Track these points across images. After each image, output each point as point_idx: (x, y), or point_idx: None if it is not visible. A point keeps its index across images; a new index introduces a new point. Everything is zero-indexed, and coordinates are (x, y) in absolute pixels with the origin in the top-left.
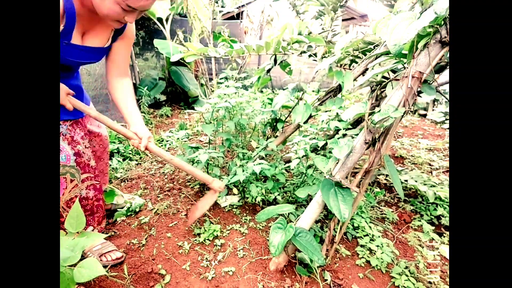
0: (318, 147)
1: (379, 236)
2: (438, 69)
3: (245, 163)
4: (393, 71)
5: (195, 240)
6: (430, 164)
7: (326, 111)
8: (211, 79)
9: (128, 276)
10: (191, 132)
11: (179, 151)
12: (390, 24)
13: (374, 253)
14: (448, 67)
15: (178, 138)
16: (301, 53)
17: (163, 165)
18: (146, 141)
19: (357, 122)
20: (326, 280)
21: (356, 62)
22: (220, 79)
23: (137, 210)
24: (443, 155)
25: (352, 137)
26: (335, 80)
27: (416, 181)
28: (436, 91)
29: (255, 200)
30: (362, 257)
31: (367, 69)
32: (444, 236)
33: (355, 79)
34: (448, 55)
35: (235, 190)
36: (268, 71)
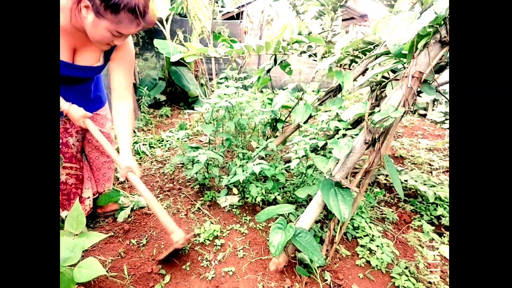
0: (318, 147)
1: (379, 236)
2: (438, 69)
3: (245, 163)
4: (393, 71)
5: (195, 240)
6: (430, 164)
7: (326, 111)
8: (211, 79)
9: (128, 276)
10: (191, 132)
11: (179, 151)
12: (390, 24)
13: (374, 253)
14: (448, 67)
15: (178, 138)
16: (301, 53)
17: (163, 165)
18: (124, 172)
19: (357, 122)
20: (326, 280)
21: (356, 62)
22: (220, 79)
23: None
24: (443, 155)
25: (352, 137)
26: (335, 80)
27: (416, 181)
28: (436, 91)
29: (255, 200)
30: (362, 257)
31: (367, 69)
32: (444, 236)
33: (355, 79)
34: (448, 55)
35: (235, 190)
36: (268, 71)
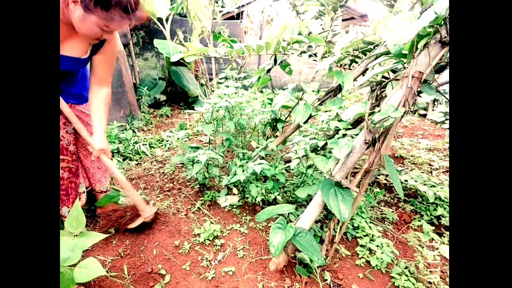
0: (318, 147)
1: (379, 236)
2: (438, 69)
3: (245, 163)
4: (393, 71)
5: (195, 240)
6: (430, 164)
7: (326, 111)
8: (211, 79)
9: (128, 276)
10: (191, 132)
11: (179, 151)
12: (390, 24)
13: (374, 253)
14: (448, 67)
15: (178, 138)
16: (301, 53)
17: (163, 165)
18: (97, 154)
19: (357, 122)
20: (326, 280)
21: (356, 62)
22: (220, 79)
23: None
24: (443, 155)
25: (352, 137)
26: (335, 80)
27: (416, 181)
28: (436, 91)
29: (255, 200)
30: (362, 257)
31: (367, 69)
32: (444, 236)
33: (355, 79)
34: (448, 55)
35: (235, 190)
36: (268, 71)
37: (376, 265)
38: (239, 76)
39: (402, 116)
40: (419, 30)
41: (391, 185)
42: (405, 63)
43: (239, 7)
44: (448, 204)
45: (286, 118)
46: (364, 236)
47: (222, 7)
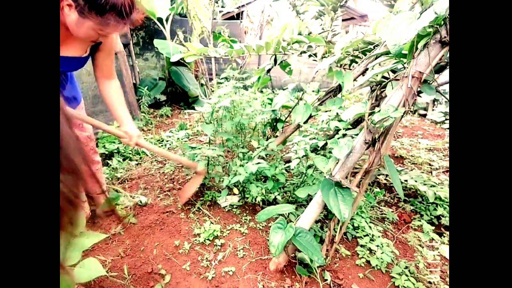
0: (318, 147)
1: (379, 236)
2: (438, 69)
3: (245, 163)
4: (393, 71)
5: (195, 240)
6: (430, 164)
7: (326, 111)
8: (211, 79)
9: (128, 276)
10: (191, 132)
11: (179, 151)
12: (390, 24)
13: (374, 253)
14: (448, 67)
15: (178, 138)
16: (301, 53)
17: (163, 165)
18: (136, 139)
19: (357, 122)
20: (326, 280)
21: (356, 62)
22: (220, 79)
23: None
24: (443, 155)
25: (352, 137)
26: (335, 80)
27: (416, 181)
28: (436, 91)
29: (255, 200)
30: (362, 257)
31: (367, 69)
32: (444, 236)
33: (355, 79)
34: (448, 55)
35: (235, 190)
36: (268, 71)
37: (376, 265)
38: (240, 76)
39: (402, 116)
40: (419, 30)
41: (391, 185)
42: (405, 63)
43: (239, 7)
44: (448, 204)
45: (286, 118)
46: (364, 236)
47: (222, 7)
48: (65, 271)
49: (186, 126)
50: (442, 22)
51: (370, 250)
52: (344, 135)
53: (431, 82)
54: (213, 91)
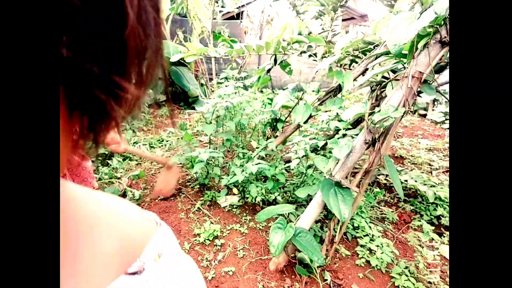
0: (318, 147)
1: (379, 236)
2: (438, 69)
3: (245, 163)
4: (393, 71)
5: (195, 240)
6: (430, 164)
7: (326, 111)
8: (211, 79)
9: None
10: (191, 132)
11: (179, 151)
12: (390, 24)
13: (374, 253)
14: (448, 67)
15: (178, 138)
16: (301, 53)
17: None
18: (126, 144)
19: (357, 122)
20: (326, 280)
21: (356, 62)
22: (220, 79)
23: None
24: (443, 155)
25: (352, 137)
26: (335, 80)
27: (416, 181)
28: (436, 91)
29: (255, 200)
30: (362, 257)
31: (367, 69)
32: (444, 236)
33: (355, 79)
34: (448, 55)
35: (235, 190)
36: (268, 71)
37: (376, 265)
38: (240, 76)
39: (402, 116)
40: (419, 30)
41: (391, 185)
42: (405, 63)
43: (239, 7)
44: (448, 204)
45: (286, 118)
46: (364, 236)
47: (222, 7)
48: None
49: (186, 126)
50: (442, 22)
51: (370, 250)
52: (344, 135)
53: (431, 82)
54: (213, 91)
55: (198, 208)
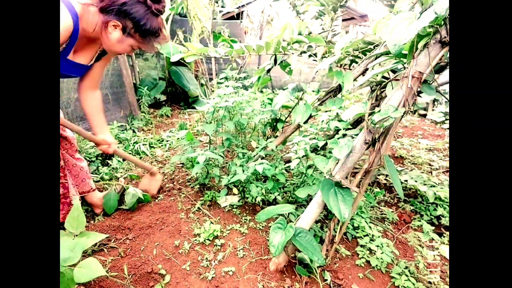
0: (318, 147)
1: (379, 236)
2: (438, 69)
3: (245, 163)
4: (393, 71)
5: (195, 240)
6: (430, 164)
7: (326, 111)
8: (211, 79)
9: (128, 276)
10: (191, 132)
11: (179, 151)
12: (390, 24)
13: (374, 253)
14: (448, 67)
15: (178, 138)
16: (301, 53)
17: (163, 165)
18: (114, 147)
19: (357, 122)
20: (326, 280)
21: (356, 62)
22: (220, 79)
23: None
24: (443, 155)
25: (352, 137)
26: (335, 80)
27: (416, 181)
28: (436, 91)
29: (255, 200)
30: (362, 257)
31: (367, 69)
32: (444, 236)
33: (355, 79)
34: (448, 55)
35: (235, 190)
36: (268, 71)
37: (376, 265)
38: (239, 76)
39: (402, 116)
40: (419, 30)
41: (391, 185)
42: (405, 63)
43: (239, 7)
44: (448, 204)
45: (286, 118)
46: (364, 236)
47: (222, 7)
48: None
49: (186, 126)
50: (442, 22)
51: (370, 250)
52: (344, 135)
53: (431, 82)
54: (213, 91)
55: (198, 208)
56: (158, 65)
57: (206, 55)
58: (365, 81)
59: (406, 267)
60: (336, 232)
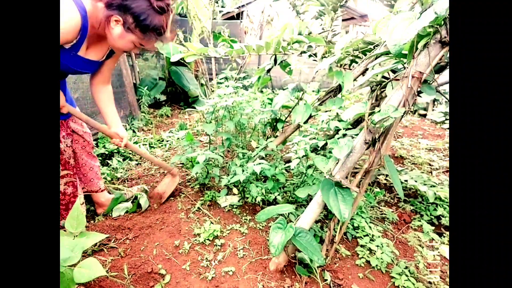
0: (318, 147)
1: (379, 236)
2: (438, 69)
3: (245, 163)
4: (393, 71)
5: (195, 240)
6: (430, 164)
7: (326, 111)
8: (211, 79)
9: (128, 276)
10: (191, 132)
11: (179, 151)
12: (390, 24)
13: (374, 253)
14: (448, 67)
15: (178, 138)
16: (301, 53)
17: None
18: (126, 141)
19: (357, 122)
20: (326, 280)
21: (356, 62)
22: (220, 79)
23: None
24: (443, 155)
25: (352, 137)
26: (335, 80)
27: (416, 181)
28: (436, 91)
29: (255, 200)
30: (362, 257)
31: (367, 69)
32: (444, 236)
33: (355, 79)
34: (448, 55)
35: (235, 190)
36: (268, 71)
37: (376, 265)
38: (239, 76)
39: (402, 116)
40: (419, 30)
41: (391, 185)
42: (405, 63)
43: (239, 7)
44: (448, 204)
45: (286, 118)
46: (364, 236)
47: (222, 7)
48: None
49: (186, 126)
50: (442, 22)
51: (370, 250)
52: (344, 135)
53: (431, 82)
54: (213, 91)
55: (198, 208)
56: (158, 65)
57: (206, 55)
58: (365, 81)
59: (406, 267)
60: (336, 232)
